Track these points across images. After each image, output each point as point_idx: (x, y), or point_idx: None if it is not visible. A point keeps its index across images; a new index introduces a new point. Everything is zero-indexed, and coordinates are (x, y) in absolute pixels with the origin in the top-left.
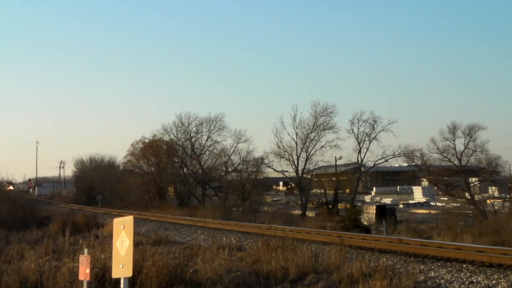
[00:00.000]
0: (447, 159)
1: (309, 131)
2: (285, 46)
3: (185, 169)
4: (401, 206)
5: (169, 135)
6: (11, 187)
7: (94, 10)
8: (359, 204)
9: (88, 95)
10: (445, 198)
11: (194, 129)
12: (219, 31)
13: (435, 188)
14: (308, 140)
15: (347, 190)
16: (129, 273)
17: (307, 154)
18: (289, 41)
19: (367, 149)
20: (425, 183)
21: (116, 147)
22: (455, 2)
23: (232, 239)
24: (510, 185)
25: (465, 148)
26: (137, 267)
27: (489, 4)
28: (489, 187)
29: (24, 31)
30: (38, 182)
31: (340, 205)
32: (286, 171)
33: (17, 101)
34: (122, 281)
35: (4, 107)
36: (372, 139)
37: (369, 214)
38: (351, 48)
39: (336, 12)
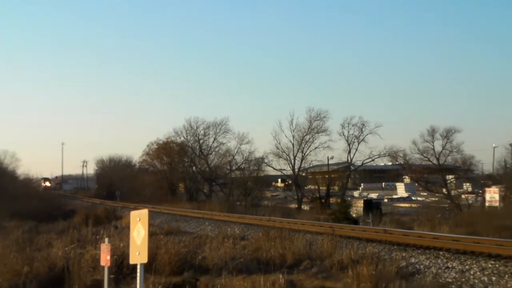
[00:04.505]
0: (427, 159)
1: (304, 134)
2: (283, 57)
3: (194, 167)
4: (386, 200)
5: (180, 137)
6: (47, 183)
7: (118, 22)
8: (349, 198)
9: (108, 101)
10: (425, 193)
11: (202, 132)
12: (227, 45)
13: (416, 184)
14: (303, 141)
15: (338, 187)
16: (144, 259)
17: (303, 154)
18: (287, 52)
19: (356, 149)
20: (407, 180)
21: (132, 147)
22: (435, 14)
23: (236, 229)
24: (482, 181)
25: (443, 149)
26: (152, 254)
27: (466, 15)
28: (464, 184)
29: (50, 37)
30: (64, 179)
31: (332, 200)
32: (284, 169)
33: (45, 105)
34: (138, 266)
35: (33, 111)
36: (361, 141)
37: (358, 208)
38: (343, 58)
39: (331, 28)
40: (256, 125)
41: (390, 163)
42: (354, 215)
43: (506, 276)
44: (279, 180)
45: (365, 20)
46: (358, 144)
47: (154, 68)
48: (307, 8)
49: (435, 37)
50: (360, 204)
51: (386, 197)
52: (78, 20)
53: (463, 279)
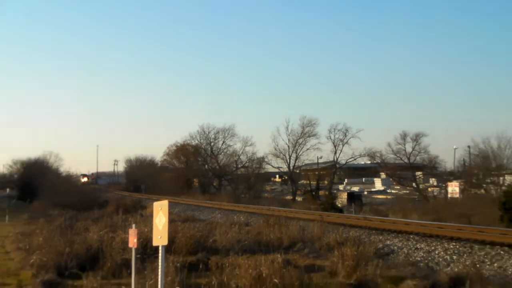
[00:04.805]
0: (399, 158)
1: (298, 138)
2: (281, 72)
3: (206, 166)
4: (365, 193)
5: (195, 141)
6: (85, 179)
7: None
8: (335, 191)
9: (134, 108)
10: (398, 187)
11: (213, 136)
12: (236, 63)
13: (391, 179)
14: (297, 144)
15: (326, 181)
16: (165, 242)
17: (296, 154)
18: (283, 68)
19: (341, 151)
20: (383, 176)
21: (155, 149)
22: (404, 25)
23: (241, 217)
24: (445, 177)
25: (412, 150)
26: (171, 238)
27: (435, 26)
28: (430, 179)
29: (88, 44)
30: (99, 175)
31: (321, 192)
32: (281, 167)
33: (83, 111)
34: (160, 248)
35: (73, 115)
36: (344, 144)
37: (342, 199)
38: (331, 72)
39: (321, 45)
40: (258, 130)
41: (369, 162)
42: (339, 205)
43: (465, 255)
44: (277, 176)
45: (345, 36)
46: (343, 146)
47: (173, 80)
48: (301, 27)
49: (408, 52)
50: (344, 196)
51: (366, 190)
52: (112, 27)
53: (430, 258)
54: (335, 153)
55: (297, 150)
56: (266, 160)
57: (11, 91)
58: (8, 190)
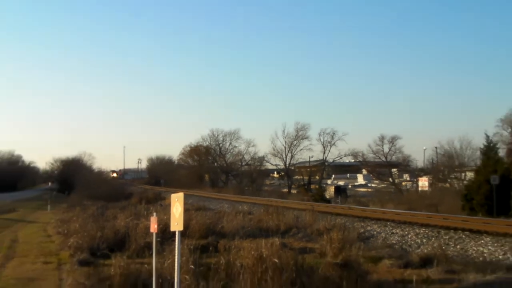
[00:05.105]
0: (378, 157)
1: (292, 140)
2: (279, 83)
3: (215, 163)
4: (350, 186)
5: (206, 142)
6: (114, 174)
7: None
8: (324, 185)
9: (155, 113)
10: (377, 182)
11: (221, 138)
12: (240, 71)
13: (371, 175)
14: (292, 145)
15: (317, 177)
16: (181, 228)
17: (292, 154)
18: (282, 78)
19: (329, 151)
20: (364, 172)
21: (172, 149)
22: (384, 35)
23: (245, 207)
24: (416, 173)
25: (389, 150)
26: (186, 224)
27: (412, 35)
28: (404, 174)
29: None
30: (125, 171)
31: (312, 186)
32: (278, 164)
33: (111, 116)
34: (176, 233)
35: (103, 121)
36: (332, 145)
37: (330, 192)
38: (322, 84)
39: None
40: (259, 133)
41: (353, 160)
42: (327, 197)
43: (433, 239)
44: (275, 172)
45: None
46: (330, 147)
47: (188, 91)
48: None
49: (386, 65)
50: (332, 189)
51: (350, 184)
52: (138, 34)
53: (403, 241)
54: (324, 153)
55: (292, 150)
56: (266, 158)
57: (57, 98)
58: (49, 183)
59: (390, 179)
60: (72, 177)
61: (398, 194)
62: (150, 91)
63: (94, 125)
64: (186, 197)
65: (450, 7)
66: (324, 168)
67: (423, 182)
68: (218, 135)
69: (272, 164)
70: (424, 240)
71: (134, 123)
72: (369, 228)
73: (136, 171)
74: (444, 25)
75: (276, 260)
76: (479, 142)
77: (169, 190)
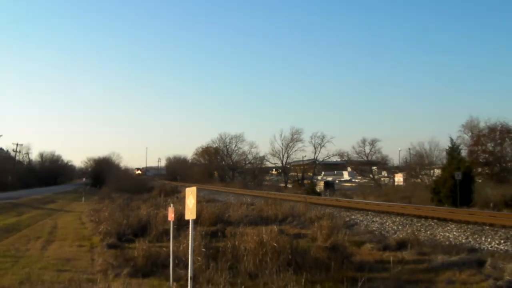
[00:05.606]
0: (361, 157)
1: (288, 142)
2: (277, 91)
3: (223, 162)
4: (337, 182)
5: (215, 144)
6: (139, 171)
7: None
8: (315, 181)
9: (173, 119)
10: (359, 177)
11: (228, 141)
12: (246, 80)
13: (355, 172)
14: (288, 147)
15: (309, 173)
16: (194, 217)
17: (288, 154)
18: (277, 87)
19: (319, 152)
20: (349, 169)
21: (187, 149)
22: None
23: (248, 199)
24: (393, 170)
25: (370, 151)
26: (198, 213)
27: (390, 43)
28: (382, 171)
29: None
30: (147, 169)
31: (305, 181)
32: (276, 163)
33: (132, 120)
34: (190, 221)
35: (124, 122)
36: (322, 146)
37: (320, 186)
38: (315, 93)
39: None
40: (260, 136)
41: (339, 159)
42: (318, 190)
43: (407, 226)
44: (274, 169)
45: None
46: (320, 148)
47: (199, 99)
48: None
49: (368, 75)
50: (321, 184)
51: (337, 180)
52: (156, 40)
53: (382, 228)
54: (315, 153)
55: (288, 151)
56: (266, 158)
57: (94, 106)
58: (84, 179)
59: (370, 175)
60: (102, 173)
61: (377, 188)
62: (170, 101)
63: (121, 129)
64: (198, 191)
65: (417, 21)
66: (315, 166)
67: (399, 178)
68: (225, 138)
69: (271, 163)
70: (400, 227)
71: (155, 127)
72: (353, 217)
73: (156, 169)
74: (417, 40)
75: (275, 244)
76: (445, 144)
77: (184, 185)
